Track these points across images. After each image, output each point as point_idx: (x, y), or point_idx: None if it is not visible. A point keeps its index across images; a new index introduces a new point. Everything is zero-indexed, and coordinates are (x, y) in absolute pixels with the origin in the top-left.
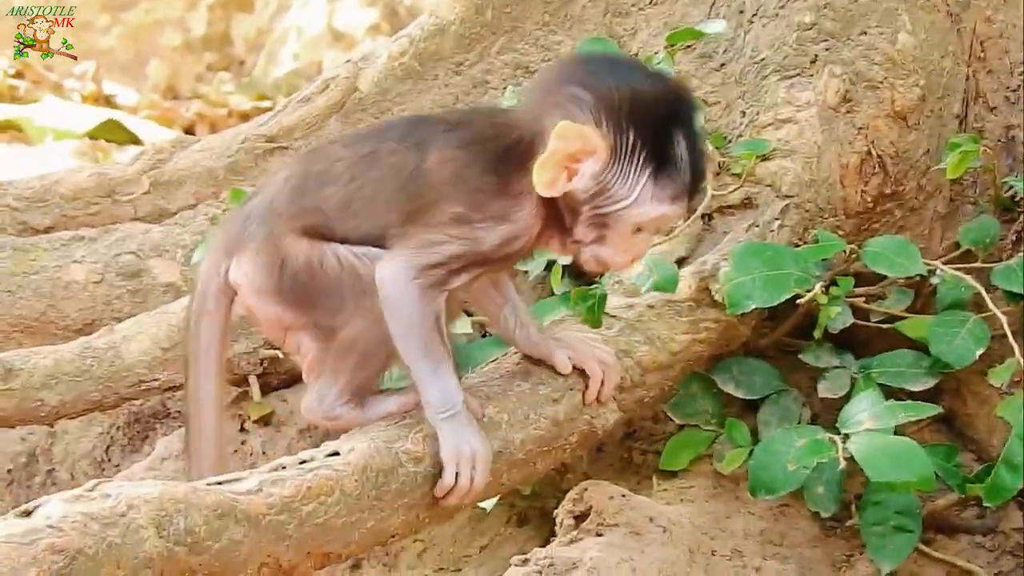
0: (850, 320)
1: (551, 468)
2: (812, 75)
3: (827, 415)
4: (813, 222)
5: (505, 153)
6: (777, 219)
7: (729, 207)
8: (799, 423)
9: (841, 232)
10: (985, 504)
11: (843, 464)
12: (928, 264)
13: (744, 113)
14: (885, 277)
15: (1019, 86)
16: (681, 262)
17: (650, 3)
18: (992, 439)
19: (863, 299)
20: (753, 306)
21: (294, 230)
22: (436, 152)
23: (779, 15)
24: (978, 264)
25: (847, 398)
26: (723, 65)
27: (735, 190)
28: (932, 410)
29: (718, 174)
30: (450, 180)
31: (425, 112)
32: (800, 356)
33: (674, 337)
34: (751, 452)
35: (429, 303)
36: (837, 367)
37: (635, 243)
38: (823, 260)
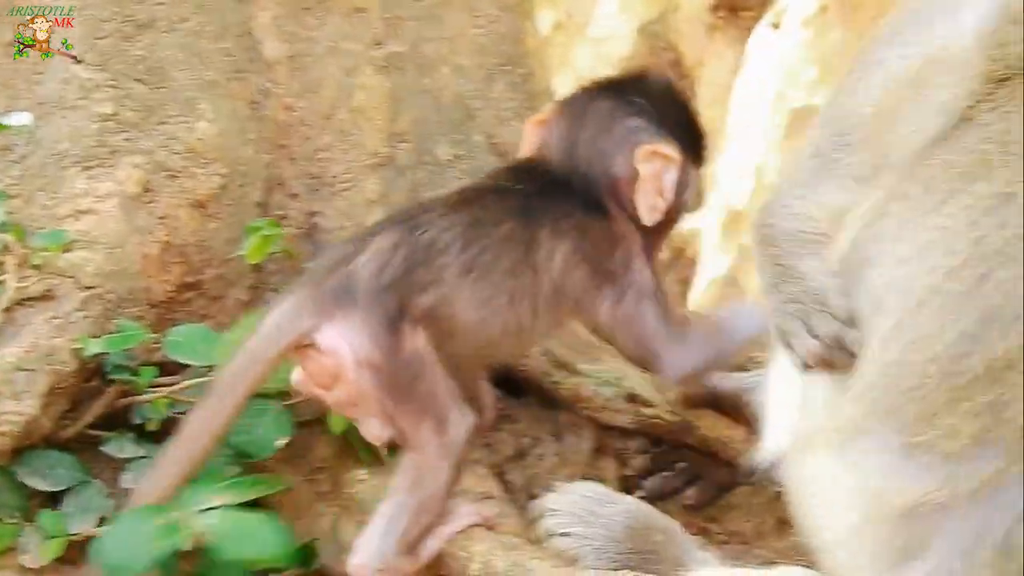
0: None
1: None
2: (112, 166)
3: None
4: (116, 312)
5: (601, 203)
6: (79, 310)
7: (29, 300)
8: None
9: (145, 322)
10: None
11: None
12: None
13: (45, 206)
14: (189, 366)
15: (320, 173)
16: None
17: None
18: (296, 527)
19: (168, 389)
20: None
21: (413, 314)
22: (547, 226)
23: (78, 106)
24: None
25: None
26: (24, 157)
27: (36, 282)
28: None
29: (20, 266)
30: (580, 253)
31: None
32: (102, 448)
33: None
34: (83, 540)
35: (687, 336)
36: (143, 457)
37: None
38: (127, 350)
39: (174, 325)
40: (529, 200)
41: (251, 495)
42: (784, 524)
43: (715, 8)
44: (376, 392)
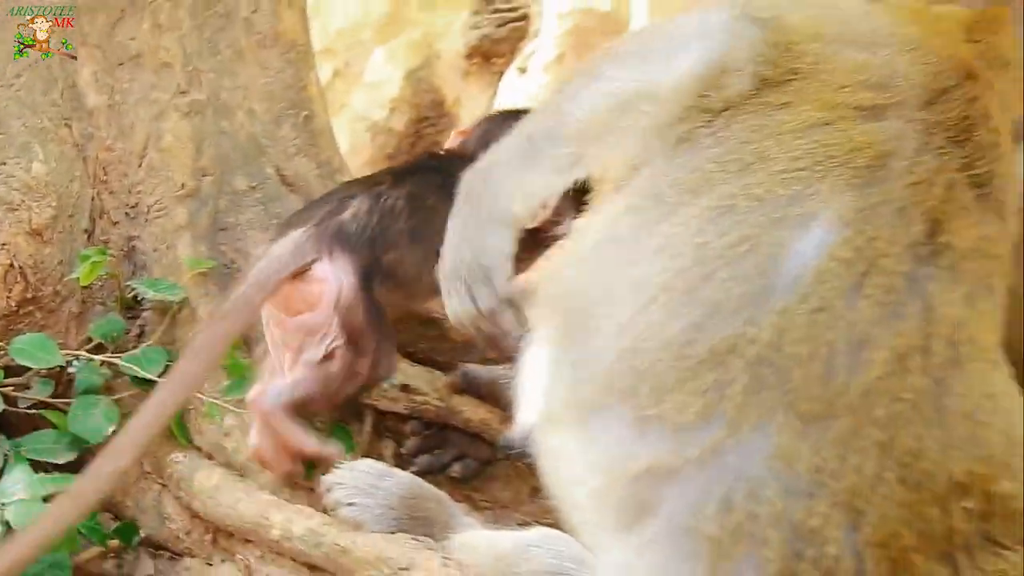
0: (1, 407)
1: None
2: None
3: None
4: None
5: None
6: None
7: None
8: None
9: None
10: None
11: (3, 531)
12: (68, 355)
13: None
14: (30, 369)
15: (137, 203)
16: None
17: None
18: (126, 500)
19: (12, 388)
20: None
21: (380, 269)
22: None
23: None
24: (108, 356)
25: (1, 474)
26: None
27: None
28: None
29: None
30: None
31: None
32: None
33: None
34: None
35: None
36: None
37: None
38: None
39: (17, 335)
40: (446, 179)
41: (48, 490)
42: (537, 491)
43: (470, 56)
44: (334, 325)
